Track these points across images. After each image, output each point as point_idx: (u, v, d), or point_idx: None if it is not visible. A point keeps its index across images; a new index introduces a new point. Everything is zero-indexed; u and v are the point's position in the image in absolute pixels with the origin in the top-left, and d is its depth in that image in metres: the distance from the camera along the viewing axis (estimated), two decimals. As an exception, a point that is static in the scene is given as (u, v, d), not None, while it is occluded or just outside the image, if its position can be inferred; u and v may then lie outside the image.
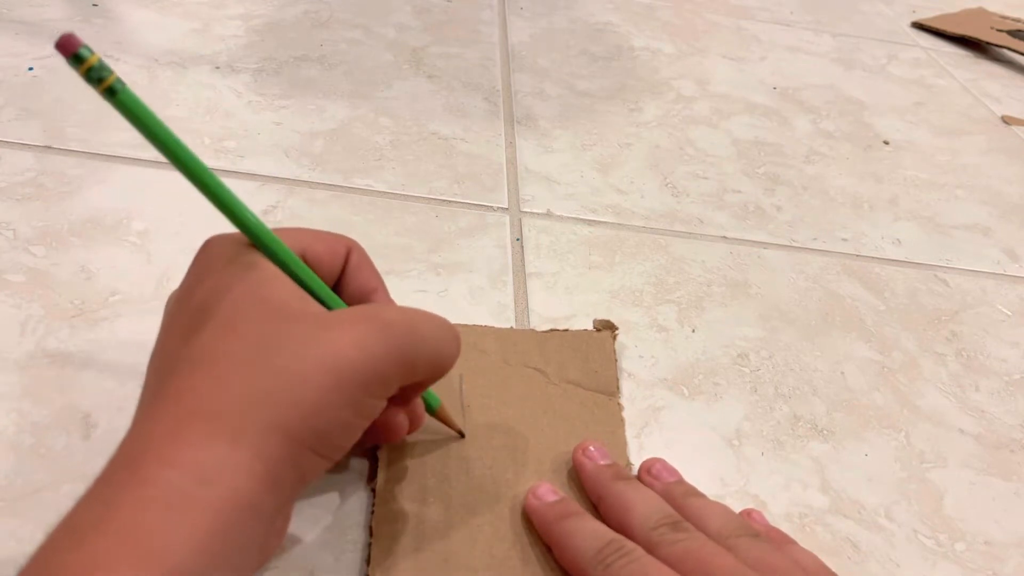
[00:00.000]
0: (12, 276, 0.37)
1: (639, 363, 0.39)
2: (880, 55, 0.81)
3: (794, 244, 0.51)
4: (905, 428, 0.39)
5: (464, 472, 0.31)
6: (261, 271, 0.25)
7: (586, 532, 0.28)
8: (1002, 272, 0.52)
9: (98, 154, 0.46)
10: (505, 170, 0.52)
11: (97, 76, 0.21)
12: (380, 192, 0.48)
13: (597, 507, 0.31)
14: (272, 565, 0.28)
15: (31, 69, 0.52)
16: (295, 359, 0.23)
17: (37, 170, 0.44)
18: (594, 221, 0.49)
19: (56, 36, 0.20)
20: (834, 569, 0.29)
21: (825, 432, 0.38)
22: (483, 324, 0.39)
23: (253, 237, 0.26)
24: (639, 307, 0.43)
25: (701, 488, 0.32)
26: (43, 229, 0.40)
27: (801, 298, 0.46)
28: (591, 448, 0.32)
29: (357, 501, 0.31)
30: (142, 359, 0.27)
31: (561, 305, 0.42)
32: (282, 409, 0.22)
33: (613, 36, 0.74)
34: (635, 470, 0.33)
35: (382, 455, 0.31)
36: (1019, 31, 0.88)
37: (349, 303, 0.29)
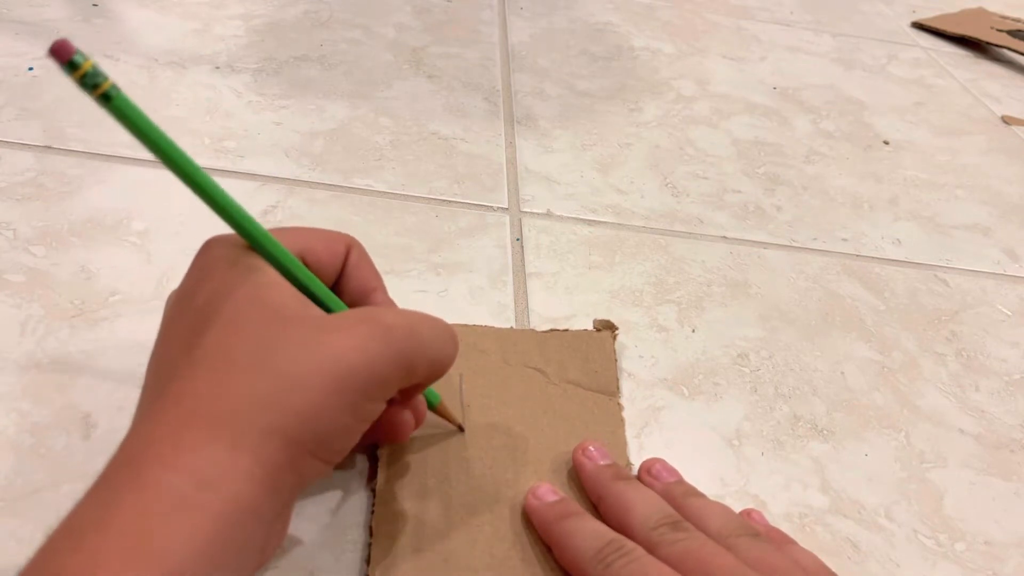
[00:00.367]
0: (12, 276, 0.37)
1: (639, 363, 0.39)
2: (880, 55, 0.81)
3: (794, 244, 0.51)
4: (905, 428, 0.39)
5: (464, 472, 0.31)
6: (262, 274, 0.25)
7: (586, 532, 0.28)
8: (1002, 272, 0.52)
9: (98, 154, 0.46)
10: (505, 170, 0.52)
11: (91, 82, 0.21)
12: (380, 192, 0.48)
13: (597, 507, 0.31)
14: (272, 565, 0.28)
15: (31, 69, 0.52)
16: (295, 363, 0.23)
17: (37, 170, 0.44)
18: (594, 221, 0.49)
19: (55, 37, 0.20)
20: (834, 569, 0.29)
21: (825, 432, 0.38)
22: (483, 324, 0.39)
23: (251, 240, 0.26)
24: (639, 307, 0.43)
25: (701, 488, 0.32)
26: (43, 229, 0.40)
27: (801, 298, 0.46)
28: (591, 448, 0.32)
29: (357, 501, 0.31)
30: (142, 359, 0.27)
31: (561, 305, 0.42)
32: (282, 413, 0.22)
33: (613, 36, 0.74)
34: (635, 470, 0.33)
35: (382, 455, 0.31)
36: (1019, 31, 0.88)
37: (348, 302, 0.29)
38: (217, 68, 0.56)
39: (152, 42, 0.58)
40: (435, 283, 0.42)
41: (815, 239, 0.52)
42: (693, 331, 0.42)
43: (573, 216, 0.49)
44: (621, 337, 0.40)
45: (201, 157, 0.46)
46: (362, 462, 0.32)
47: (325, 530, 0.29)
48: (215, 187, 0.24)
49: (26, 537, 0.27)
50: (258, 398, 0.22)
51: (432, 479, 0.31)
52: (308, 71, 0.58)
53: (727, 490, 0.34)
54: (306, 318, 0.25)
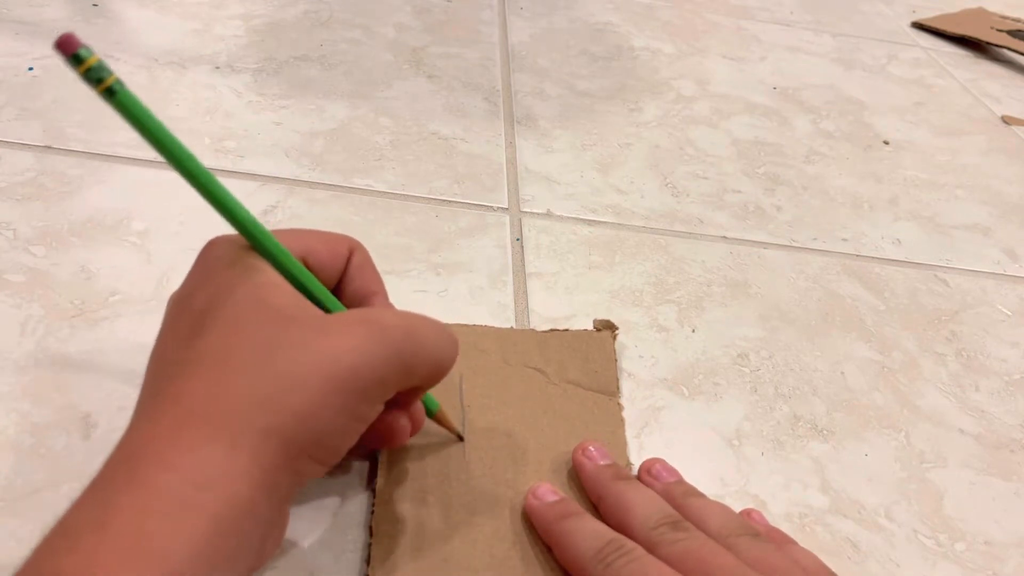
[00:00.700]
0: (12, 276, 0.37)
1: (639, 363, 0.39)
2: (880, 55, 0.81)
3: (794, 244, 0.51)
4: (905, 428, 0.39)
5: (464, 472, 0.31)
6: (262, 275, 0.25)
7: (586, 532, 0.28)
8: (1002, 272, 0.52)
9: (98, 154, 0.46)
10: (505, 170, 0.52)
11: (96, 77, 0.21)
12: (380, 192, 0.48)
13: (597, 507, 0.31)
14: (272, 565, 0.28)
15: (31, 69, 0.52)
16: (293, 363, 0.23)
17: (37, 170, 0.44)
18: (594, 221, 0.49)
19: (56, 36, 0.20)
20: (834, 569, 0.29)
21: (825, 432, 0.38)
22: (483, 324, 0.39)
23: (252, 240, 0.26)
24: (639, 307, 0.43)
25: (701, 488, 0.32)
26: (43, 229, 0.40)
27: (801, 298, 0.46)
28: (591, 448, 0.32)
29: (357, 502, 0.31)
30: (142, 359, 0.27)
31: (561, 305, 0.42)
32: (280, 414, 0.22)
33: (613, 36, 0.74)
34: (635, 470, 0.33)
35: (382, 456, 0.31)
36: (1019, 31, 0.88)
37: (349, 305, 0.29)
38: (217, 68, 0.56)
39: (152, 42, 0.58)
40: (435, 283, 0.42)
41: (815, 239, 0.52)
42: (693, 331, 0.42)
43: (573, 216, 0.49)
44: (621, 337, 0.40)
45: (201, 157, 0.46)
46: (362, 464, 0.32)
47: (325, 530, 0.29)
48: (218, 185, 0.24)
49: (26, 537, 0.27)
50: (257, 398, 0.22)
51: (432, 479, 0.31)
52: (308, 71, 0.58)
53: (727, 490, 0.34)
54: (305, 319, 0.25)
